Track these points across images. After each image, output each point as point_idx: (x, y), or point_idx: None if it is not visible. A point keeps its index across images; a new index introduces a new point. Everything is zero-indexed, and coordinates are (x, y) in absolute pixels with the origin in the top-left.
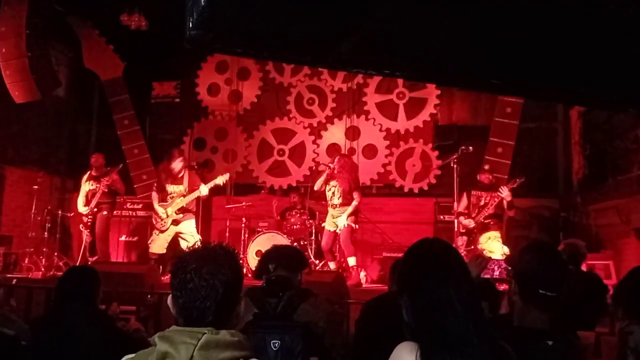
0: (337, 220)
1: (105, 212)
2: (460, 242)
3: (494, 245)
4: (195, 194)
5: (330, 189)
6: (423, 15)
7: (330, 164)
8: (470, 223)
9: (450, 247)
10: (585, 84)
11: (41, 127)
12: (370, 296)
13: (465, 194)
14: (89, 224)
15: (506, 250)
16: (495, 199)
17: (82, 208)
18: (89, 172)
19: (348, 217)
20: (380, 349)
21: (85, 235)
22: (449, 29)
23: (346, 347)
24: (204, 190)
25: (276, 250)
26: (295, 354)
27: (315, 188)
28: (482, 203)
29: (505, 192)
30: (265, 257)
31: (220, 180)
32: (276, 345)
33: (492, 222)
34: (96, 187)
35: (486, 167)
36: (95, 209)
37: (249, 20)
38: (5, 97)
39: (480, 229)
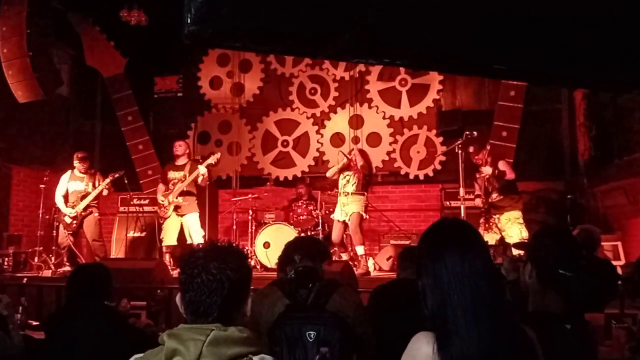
0: (347, 208)
1: (96, 214)
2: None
3: (512, 229)
4: (193, 175)
5: (344, 177)
6: (421, 3)
7: (349, 155)
8: (478, 203)
9: (468, 226)
10: (588, 67)
11: (45, 125)
12: (378, 284)
13: (475, 180)
14: (74, 225)
15: (524, 234)
16: (485, 177)
17: (66, 209)
18: (71, 172)
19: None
20: (392, 333)
21: (69, 239)
22: (447, 16)
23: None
24: (202, 169)
25: (299, 241)
26: (331, 345)
27: (328, 175)
28: (486, 178)
29: (487, 170)
30: (290, 249)
31: (213, 159)
32: (312, 336)
33: (503, 198)
34: (85, 189)
35: (470, 149)
36: (83, 212)
37: (247, 15)
38: (8, 97)
39: (496, 207)
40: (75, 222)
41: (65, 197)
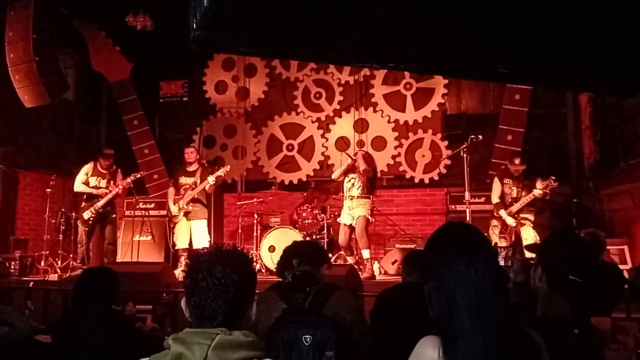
0: (354, 212)
1: (114, 215)
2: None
3: (527, 232)
4: (203, 184)
5: (349, 180)
6: (425, 7)
7: (353, 157)
8: (513, 222)
9: (475, 230)
10: (593, 71)
11: (51, 130)
12: (383, 288)
13: (496, 180)
14: (91, 222)
15: (538, 238)
16: (530, 196)
17: (90, 189)
18: (93, 166)
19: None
20: (397, 338)
21: (84, 235)
22: (451, 21)
23: (371, 339)
24: (211, 180)
25: (298, 245)
26: (327, 348)
27: (333, 177)
28: (514, 194)
29: (538, 192)
30: (288, 253)
31: (222, 172)
32: (308, 340)
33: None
34: (107, 187)
35: (516, 161)
36: (102, 210)
37: (251, 20)
38: (15, 101)
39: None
40: (92, 218)
41: (86, 186)
